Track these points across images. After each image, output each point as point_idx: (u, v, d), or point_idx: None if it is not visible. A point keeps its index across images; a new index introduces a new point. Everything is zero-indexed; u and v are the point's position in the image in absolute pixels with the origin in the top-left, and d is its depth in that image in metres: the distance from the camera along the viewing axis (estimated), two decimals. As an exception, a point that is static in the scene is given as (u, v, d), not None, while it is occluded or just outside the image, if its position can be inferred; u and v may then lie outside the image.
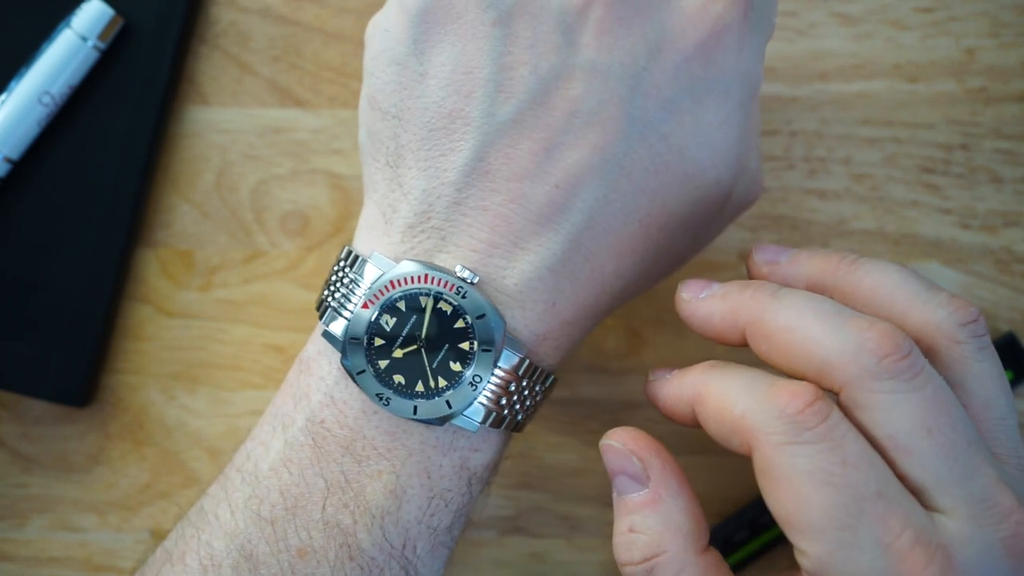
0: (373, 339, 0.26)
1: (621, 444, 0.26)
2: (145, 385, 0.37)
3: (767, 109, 0.36)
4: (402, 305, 0.26)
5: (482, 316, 0.25)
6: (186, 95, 0.37)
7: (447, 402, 0.26)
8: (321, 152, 0.37)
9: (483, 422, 0.26)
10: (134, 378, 0.37)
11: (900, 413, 0.23)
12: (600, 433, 0.36)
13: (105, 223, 0.36)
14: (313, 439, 0.26)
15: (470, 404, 0.26)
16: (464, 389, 0.26)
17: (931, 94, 0.36)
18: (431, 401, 0.26)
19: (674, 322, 0.36)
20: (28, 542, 0.37)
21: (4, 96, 0.35)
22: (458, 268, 0.25)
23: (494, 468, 0.28)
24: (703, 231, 0.28)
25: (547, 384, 0.27)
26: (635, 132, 0.26)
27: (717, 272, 0.36)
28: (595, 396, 0.36)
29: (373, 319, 0.26)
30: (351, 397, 0.26)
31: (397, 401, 0.26)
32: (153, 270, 0.37)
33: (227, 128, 0.37)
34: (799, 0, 0.37)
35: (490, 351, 0.26)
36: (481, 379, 0.26)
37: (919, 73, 0.36)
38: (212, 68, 0.37)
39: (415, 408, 0.26)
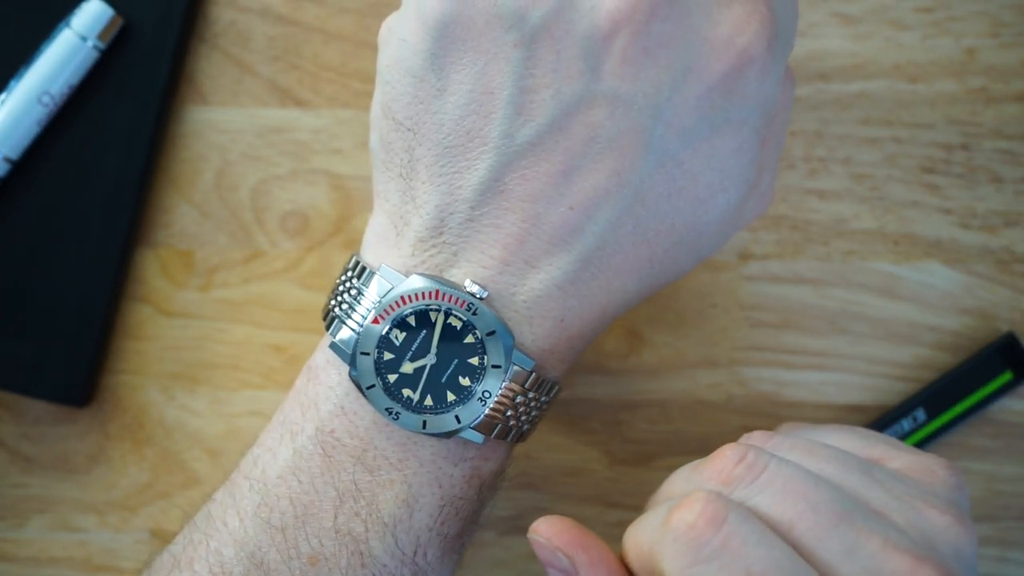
0: (383, 353, 0.26)
1: (546, 540, 0.25)
2: (145, 385, 0.37)
3: (767, 109, 0.36)
4: (412, 320, 0.26)
5: (492, 332, 0.25)
6: (186, 95, 0.37)
7: (456, 416, 0.26)
8: (321, 152, 0.37)
9: (489, 434, 0.26)
10: (134, 378, 0.37)
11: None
12: (601, 433, 0.36)
13: (105, 223, 0.36)
14: (323, 448, 0.26)
15: (479, 418, 0.26)
16: (473, 404, 0.26)
17: (931, 94, 0.36)
18: (440, 416, 0.26)
19: (674, 322, 0.36)
20: (28, 542, 0.37)
21: (4, 96, 0.35)
22: (467, 283, 0.25)
23: (502, 475, 0.28)
24: (708, 248, 0.29)
25: (551, 395, 0.27)
26: (652, 160, 0.26)
27: (717, 272, 0.36)
28: (595, 396, 0.36)
29: (384, 334, 0.26)
30: (362, 409, 0.26)
31: (406, 416, 0.26)
32: (153, 270, 0.37)
33: (227, 128, 0.37)
34: (799, 0, 0.37)
35: (499, 367, 0.26)
36: (490, 394, 0.26)
37: (919, 73, 0.36)
38: (212, 68, 0.37)
39: (424, 423, 0.26)
